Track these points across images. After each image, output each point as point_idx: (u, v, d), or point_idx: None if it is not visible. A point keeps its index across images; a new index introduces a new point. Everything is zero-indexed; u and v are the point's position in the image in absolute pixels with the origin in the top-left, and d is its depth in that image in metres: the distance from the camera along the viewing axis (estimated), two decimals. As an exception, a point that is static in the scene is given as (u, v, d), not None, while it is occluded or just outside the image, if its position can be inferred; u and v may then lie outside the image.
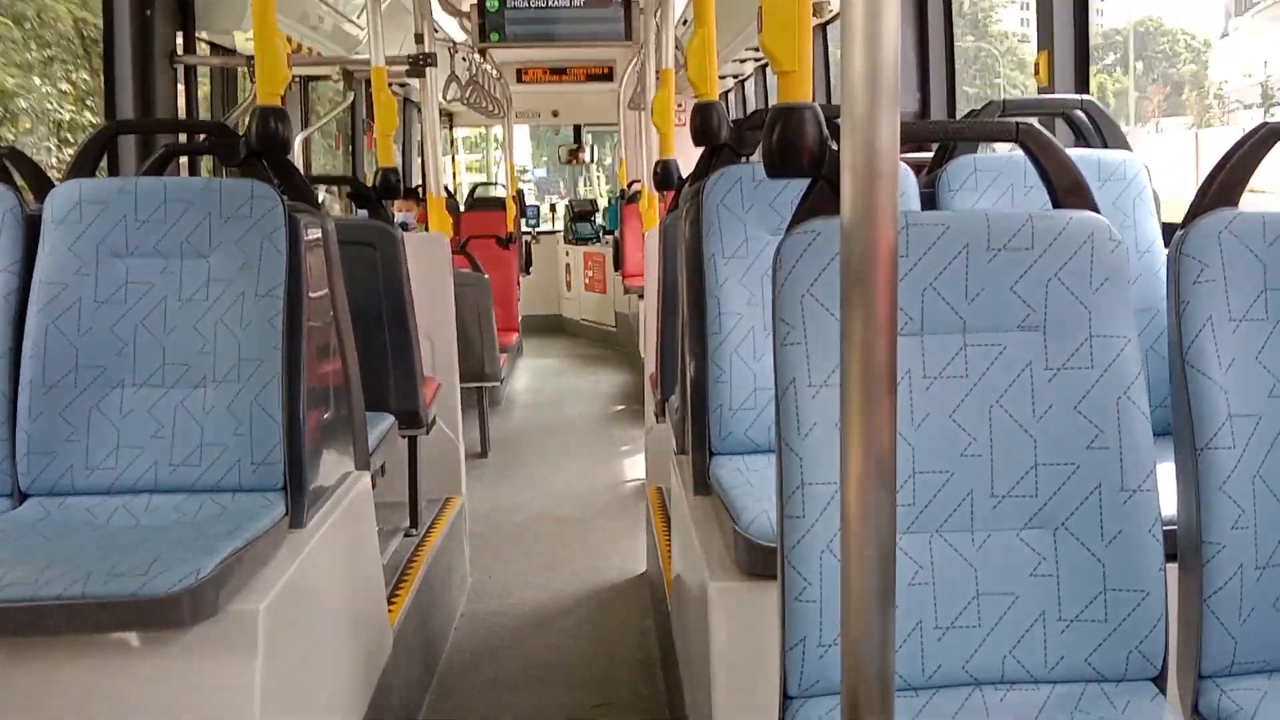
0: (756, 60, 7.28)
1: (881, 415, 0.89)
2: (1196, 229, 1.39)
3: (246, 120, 2.28)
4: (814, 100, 1.62)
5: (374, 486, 2.64)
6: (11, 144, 2.55)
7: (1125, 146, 2.46)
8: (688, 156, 3.08)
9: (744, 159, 2.46)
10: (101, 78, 4.01)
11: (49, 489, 2.05)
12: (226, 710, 1.74)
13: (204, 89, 4.99)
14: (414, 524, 3.49)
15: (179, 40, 4.29)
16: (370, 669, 2.44)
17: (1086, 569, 1.37)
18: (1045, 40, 2.97)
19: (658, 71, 4.44)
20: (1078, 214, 1.43)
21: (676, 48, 4.48)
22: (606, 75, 9.77)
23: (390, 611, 2.76)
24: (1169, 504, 1.40)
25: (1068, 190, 1.49)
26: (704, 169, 2.55)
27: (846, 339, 0.88)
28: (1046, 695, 1.37)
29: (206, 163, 4.54)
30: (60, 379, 2.06)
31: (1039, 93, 3.03)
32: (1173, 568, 1.40)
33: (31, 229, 2.14)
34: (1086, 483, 1.37)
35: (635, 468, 5.38)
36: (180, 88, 4.34)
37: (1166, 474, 1.41)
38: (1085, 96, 2.56)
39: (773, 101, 1.71)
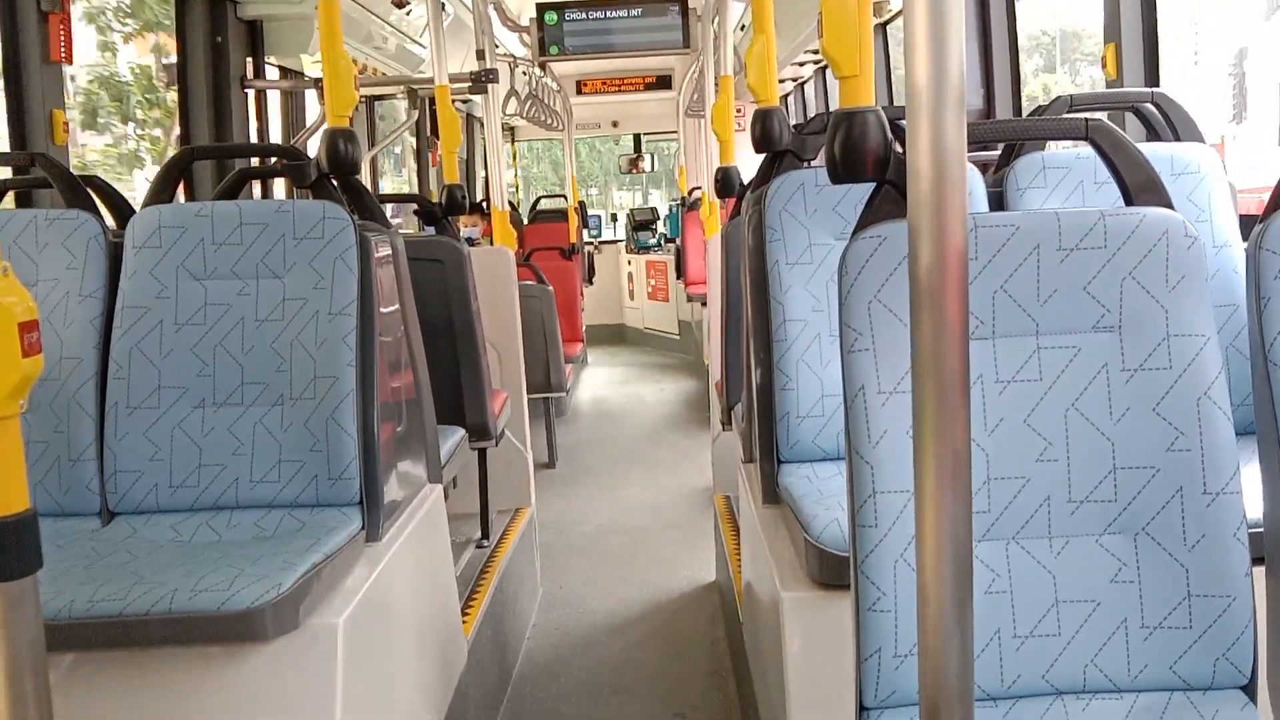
0: (816, 63, 7.23)
1: (955, 422, 0.88)
2: (1276, 222, 1.35)
3: (315, 141, 2.33)
4: (875, 102, 1.61)
5: (446, 499, 2.67)
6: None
7: (1199, 139, 2.40)
8: (748, 162, 3.08)
9: (806, 164, 2.45)
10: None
11: (135, 507, 2.11)
12: None
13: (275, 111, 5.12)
14: (485, 535, 3.53)
15: (249, 65, 4.41)
16: (446, 679, 2.48)
17: (1169, 574, 1.34)
18: (1113, 32, 2.91)
19: (716, 78, 4.43)
20: (1151, 211, 1.40)
21: (735, 54, 4.47)
22: (665, 83, 9.80)
23: (465, 622, 2.79)
24: (1255, 506, 1.36)
25: (1141, 187, 1.46)
26: (766, 175, 2.54)
27: (917, 345, 0.88)
28: (1130, 704, 1.34)
29: (279, 183, 4.66)
30: (144, 400, 2.13)
31: (1107, 86, 2.96)
32: (1260, 572, 1.36)
33: (114, 254, 2.21)
34: (1167, 486, 1.34)
35: (702, 476, 5.37)
36: (251, 111, 4.46)
37: (1252, 475, 1.37)
38: (1156, 89, 2.50)
39: (833, 104, 1.70)
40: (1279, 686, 1.35)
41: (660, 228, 11.00)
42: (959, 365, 0.86)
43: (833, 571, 1.81)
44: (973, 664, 0.91)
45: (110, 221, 2.40)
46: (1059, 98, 2.40)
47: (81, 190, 2.32)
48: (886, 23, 5.24)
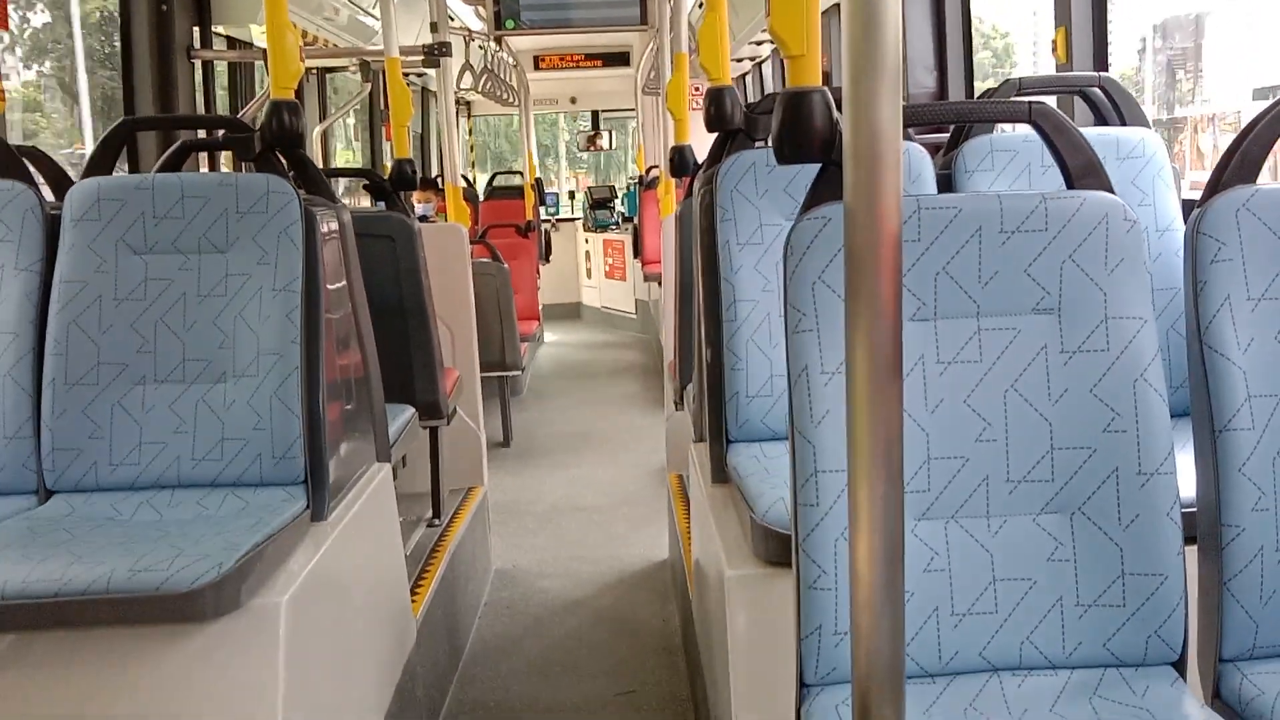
0: (773, 42, 7.22)
1: (889, 403, 0.89)
2: (1214, 207, 1.37)
3: (262, 113, 2.29)
4: (829, 84, 1.61)
5: (395, 478, 2.65)
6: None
7: (1145, 124, 2.43)
8: (703, 141, 3.07)
9: (758, 144, 2.45)
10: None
11: (73, 485, 2.07)
12: (250, 703, 1.76)
13: (221, 83, 5.02)
14: (436, 514, 3.51)
15: (195, 35, 4.32)
16: (394, 659, 2.46)
17: (1104, 553, 1.36)
18: (1063, 16, 2.93)
19: (672, 56, 4.41)
20: (1092, 194, 1.41)
21: (690, 32, 4.45)
22: (624, 60, 9.74)
23: (414, 602, 2.77)
24: (1188, 486, 1.38)
25: (1082, 170, 1.47)
26: (717, 154, 2.54)
27: (851, 326, 0.88)
28: (1065, 681, 1.36)
29: (226, 156, 4.57)
30: (82, 376, 2.09)
31: (1057, 70, 2.99)
32: (1192, 551, 1.38)
33: (51, 228, 2.16)
34: (1103, 466, 1.36)
35: (657, 454, 5.38)
36: (198, 82, 4.37)
37: (1187, 456, 1.39)
38: (1103, 74, 2.52)
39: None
40: (1208, 662, 1.39)
41: (618, 206, 10.96)
42: (892, 348, 0.86)
43: (777, 550, 1.82)
44: (904, 642, 0.92)
45: (48, 194, 2.34)
46: (1007, 80, 2.42)
47: (17, 161, 2.26)
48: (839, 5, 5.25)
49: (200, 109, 4.42)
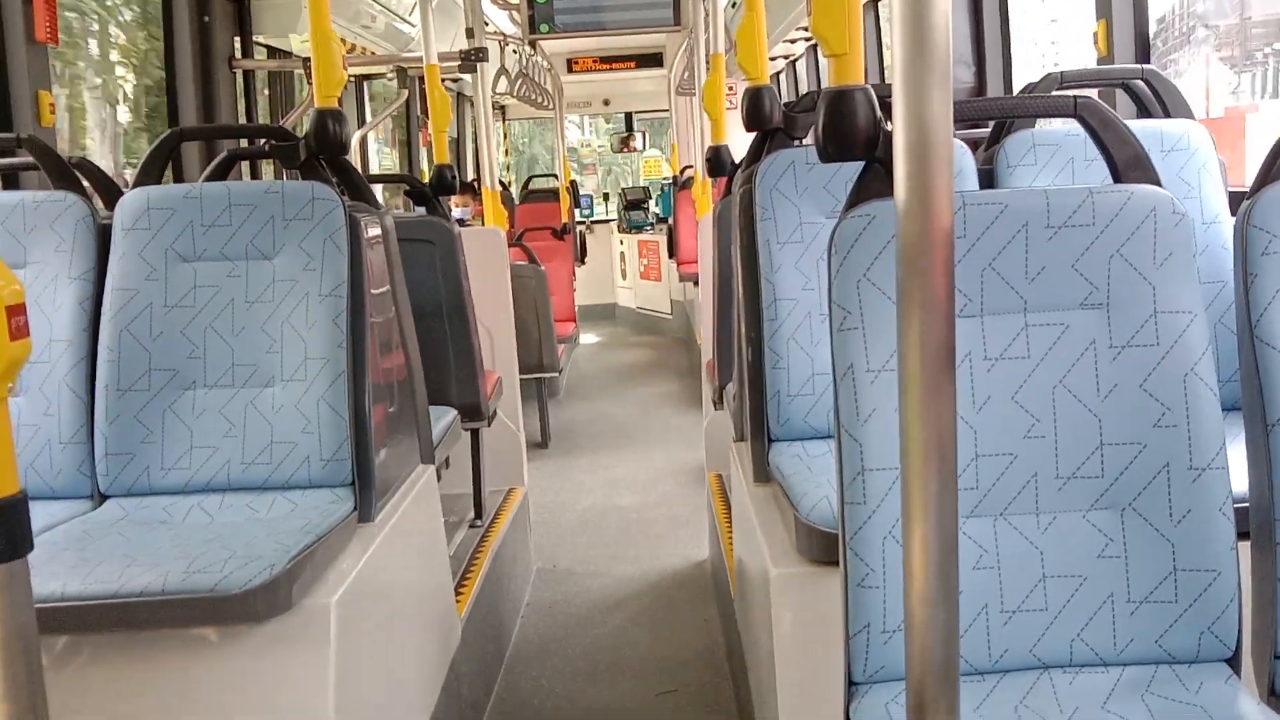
0: (808, 40, 7.20)
1: (941, 400, 0.89)
2: (1263, 199, 1.35)
3: (304, 121, 2.32)
4: (867, 81, 1.61)
5: (439, 479, 2.68)
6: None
7: (1189, 115, 2.40)
8: (740, 141, 3.07)
9: (796, 142, 2.44)
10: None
11: (127, 490, 2.11)
12: (301, 701, 1.79)
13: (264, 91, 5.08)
14: (479, 515, 3.54)
15: (237, 45, 4.38)
16: (440, 658, 2.49)
17: (1155, 549, 1.35)
18: (1104, 8, 2.90)
19: (707, 56, 4.41)
20: (1139, 188, 1.40)
21: (725, 31, 4.45)
22: (657, 61, 9.75)
23: (458, 602, 2.80)
24: (1241, 481, 1.37)
25: (1129, 164, 1.46)
26: (756, 154, 2.54)
27: (903, 323, 0.88)
28: (1117, 678, 1.35)
29: (268, 164, 4.64)
30: (134, 382, 2.13)
31: (1098, 63, 2.96)
32: (1245, 546, 1.37)
33: (103, 237, 2.21)
34: (1154, 462, 1.35)
35: (695, 454, 5.39)
36: (240, 90, 4.43)
37: (1239, 450, 1.38)
38: (1146, 66, 2.49)
39: (825, 82, 1.69)
40: (1263, 659, 1.37)
41: (653, 207, 10.98)
42: (945, 344, 0.86)
43: (822, 548, 1.82)
44: (958, 640, 0.92)
45: (99, 204, 2.39)
46: (1049, 75, 2.40)
47: (69, 172, 2.31)
48: (879, 0, 5.22)
49: (241, 118, 4.48)
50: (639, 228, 10.64)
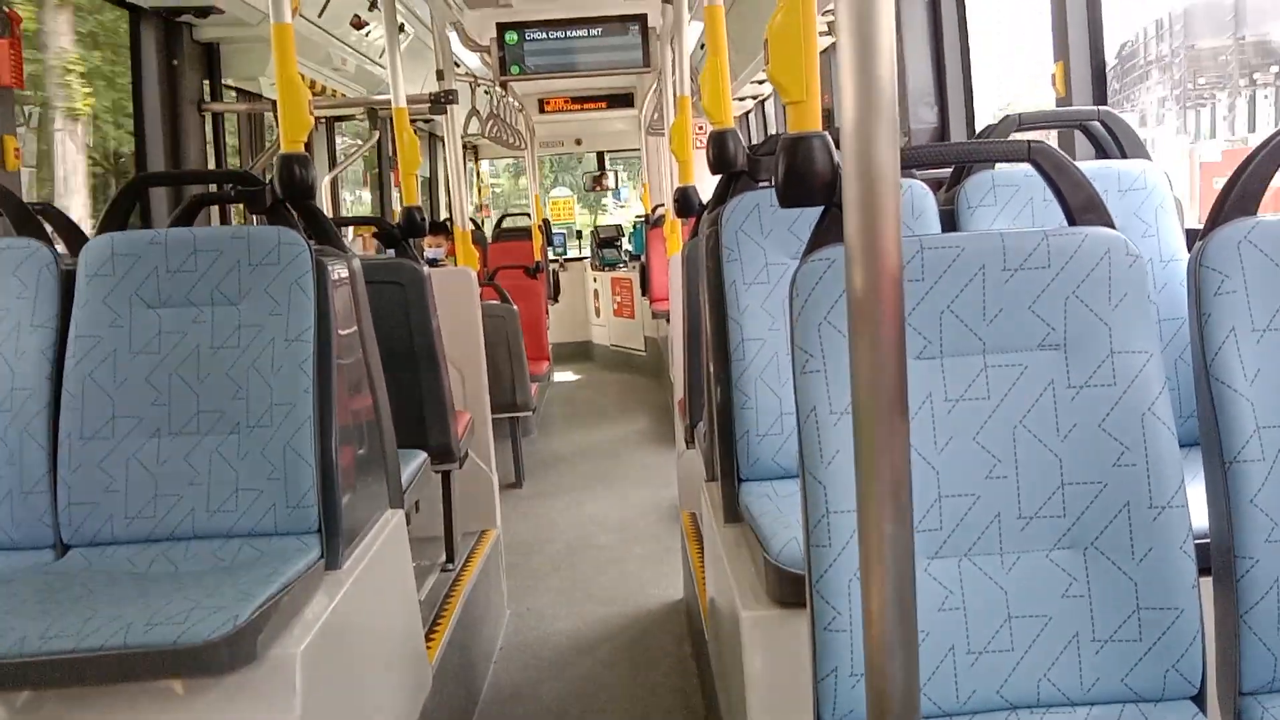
0: (775, 82, 7.28)
1: (896, 444, 0.89)
2: (1215, 240, 1.38)
3: (274, 164, 2.32)
4: (830, 126, 1.63)
5: (409, 523, 2.66)
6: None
7: (1145, 156, 2.45)
8: (709, 181, 3.09)
9: (761, 184, 2.47)
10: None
11: (90, 539, 2.08)
12: None
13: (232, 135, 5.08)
14: (450, 558, 3.51)
15: (206, 88, 4.39)
16: (410, 707, 2.46)
17: (1118, 588, 1.36)
18: (1061, 51, 2.96)
19: (675, 99, 4.46)
20: (1093, 231, 1.43)
21: (692, 75, 4.50)
22: (628, 101, 9.83)
23: (429, 648, 2.77)
24: (1201, 518, 1.38)
25: (1083, 206, 1.48)
26: (722, 195, 2.56)
27: (855, 367, 0.89)
28: (1084, 718, 1.35)
29: (238, 208, 4.62)
30: (98, 430, 2.11)
31: (1057, 104, 3.01)
32: (1207, 582, 1.38)
33: (67, 283, 2.19)
34: (1114, 501, 1.36)
35: (669, 492, 5.38)
36: (209, 134, 4.43)
37: (1199, 488, 1.39)
38: (1102, 108, 2.54)
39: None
40: (1227, 696, 1.37)
41: (625, 244, 11.03)
42: (897, 387, 0.87)
43: (792, 590, 1.82)
44: (918, 683, 0.92)
45: (64, 249, 2.37)
46: (1007, 117, 2.44)
47: (32, 218, 2.29)
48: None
49: (211, 161, 4.48)
50: (612, 265, 10.68)
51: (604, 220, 13.16)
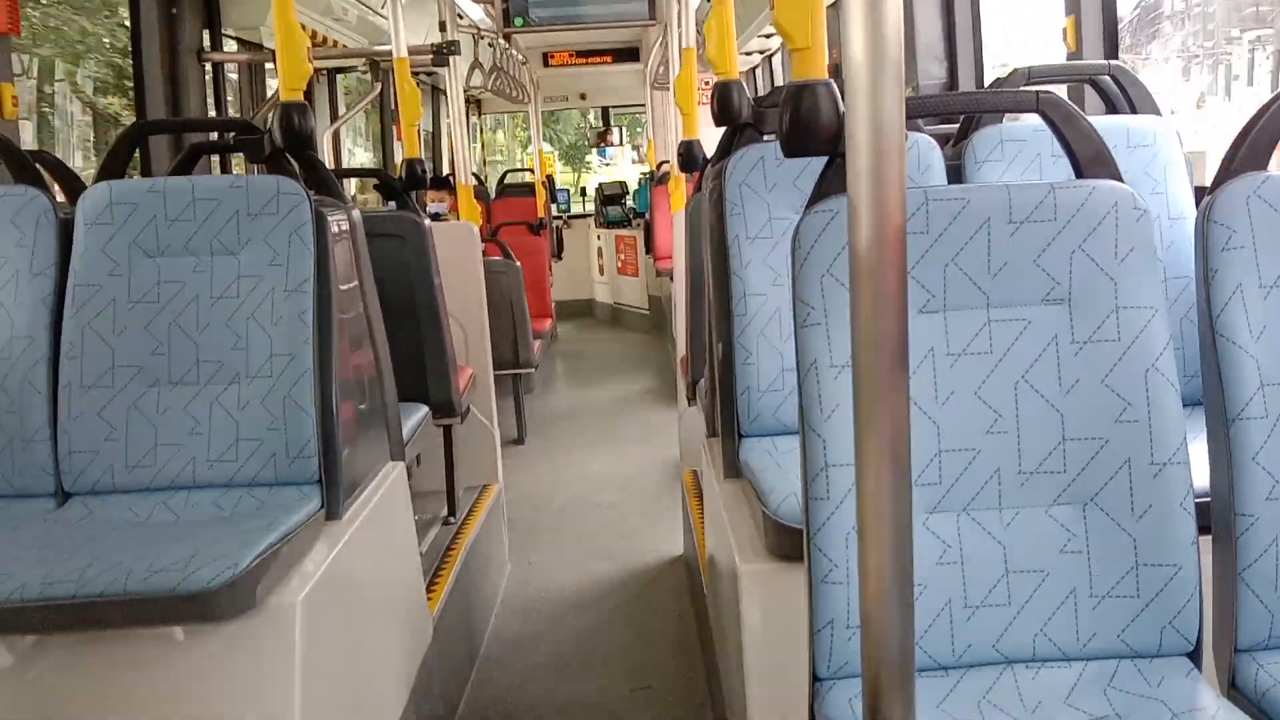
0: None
1: (896, 396, 0.88)
2: (1223, 195, 1.36)
3: (275, 114, 2.30)
4: (837, 77, 1.60)
5: (410, 476, 2.66)
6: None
7: (1156, 112, 2.41)
8: (713, 136, 3.06)
9: (765, 137, 2.44)
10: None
11: (90, 488, 2.09)
12: (267, 702, 1.77)
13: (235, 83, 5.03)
14: (451, 512, 3.52)
15: (205, 37, 4.33)
16: (411, 657, 2.48)
17: (1117, 544, 1.35)
18: (1072, 4, 2.91)
19: (680, 51, 4.41)
20: (1101, 184, 1.41)
21: (698, 29, 4.44)
22: (633, 55, 9.72)
23: (430, 600, 2.79)
24: (1202, 476, 1.38)
25: (1091, 160, 1.46)
26: (726, 149, 2.54)
27: (856, 320, 0.88)
28: (1079, 672, 1.36)
29: (238, 158, 4.59)
30: (98, 379, 2.10)
31: (1067, 59, 2.97)
32: (1206, 541, 1.38)
33: (65, 232, 2.17)
34: (1116, 457, 1.36)
35: (671, 450, 5.38)
36: (209, 84, 4.38)
37: (1201, 446, 1.39)
38: (1113, 62, 2.50)
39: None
40: (1223, 653, 1.38)
41: (629, 201, 10.97)
42: (898, 341, 0.86)
43: (790, 544, 1.82)
44: (913, 636, 0.92)
45: (61, 197, 2.35)
46: (1016, 70, 2.40)
47: (30, 166, 2.27)
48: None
49: (211, 111, 4.43)
50: (616, 223, 10.63)
51: (588, 179, 13.04)
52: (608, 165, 14.63)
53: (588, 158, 16.62)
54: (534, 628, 3.47)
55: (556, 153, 13.96)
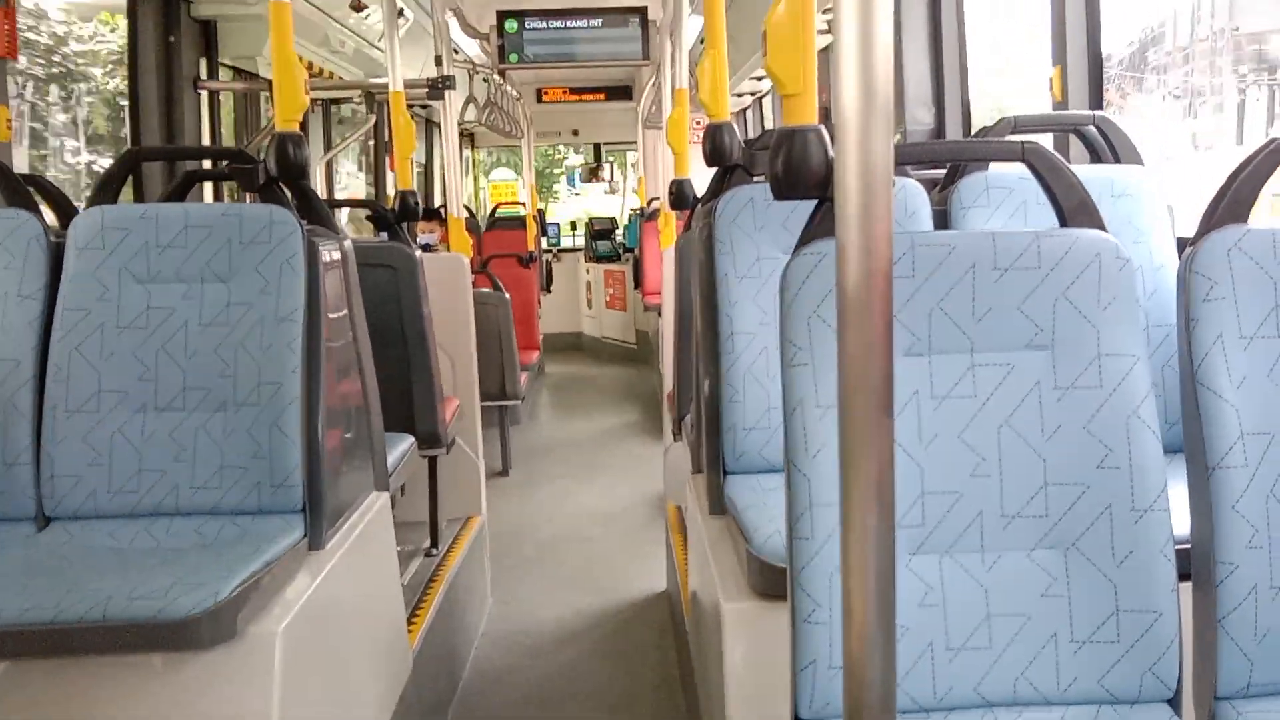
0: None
1: (880, 439, 0.90)
2: (1205, 246, 1.39)
3: (267, 145, 2.31)
4: (826, 123, 1.63)
5: (394, 507, 2.66)
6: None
7: (1139, 162, 2.45)
8: (704, 175, 3.10)
9: (755, 179, 2.47)
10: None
11: (72, 513, 2.08)
12: None
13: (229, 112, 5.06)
14: (434, 544, 3.51)
15: (203, 66, 4.37)
16: (390, 690, 2.46)
17: (1098, 589, 1.36)
18: (1059, 55, 2.97)
19: (673, 91, 4.46)
20: (1084, 233, 1.43)
21: (691, 70, 4.50)
22: (626, 93, 9.81)
23: (410, 632, 2.77)
24: (1183, 523, 1.39)
25: (1075, 209, 1.49)
26: (717, 189, 2.56)
27: (843, 361, 0.89)
28: (1060, 717, 1.36)
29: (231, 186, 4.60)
30: (83, 404, 2.10)
31: (1053, 108, 3.02)
32: (1186, 587, 1.39)
33: (56, 255, 2.18)
34: (1097, 503, 1.37)
35: (656, 485, 5.38)
36: (205, 112, 4.41)
37: (1181, 493, 1.40)
38: (1098, 112, 2.55)
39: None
40: (1203, 700, 1.38)
41: (619, 237, 11.03)
42: (883, 383, 0.87)
43: (773, 582, 1.82)
44: (895, 677, 0.92)
45: (54, 221, 2.36)
46: (1003, 119, 2.44)
47: (22, 189, 2.28)
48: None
49: (206, 140, 4.46)
50: (605, 257, 10.68)
51: (552, 208, 13.05)
52: (576, 195, 14.62)
53: (555, 186, 16.64)
54: (515, 661, 3.44)
55: (519, 180, 13.97)
